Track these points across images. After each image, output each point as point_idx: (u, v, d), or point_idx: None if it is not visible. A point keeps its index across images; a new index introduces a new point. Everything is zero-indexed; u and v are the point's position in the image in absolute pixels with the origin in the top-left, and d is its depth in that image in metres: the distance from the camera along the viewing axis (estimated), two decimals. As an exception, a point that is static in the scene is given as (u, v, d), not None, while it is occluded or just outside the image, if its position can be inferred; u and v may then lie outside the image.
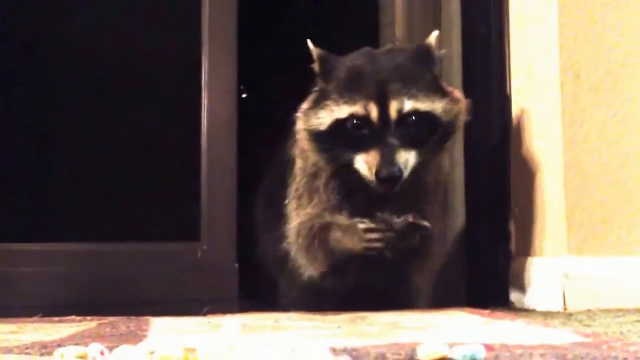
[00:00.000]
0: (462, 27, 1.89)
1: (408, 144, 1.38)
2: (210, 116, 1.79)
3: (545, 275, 1.50)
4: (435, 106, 1.41)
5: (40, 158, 1.80)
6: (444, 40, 1.91)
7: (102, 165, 1.83)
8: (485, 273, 1.72)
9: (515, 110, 1.67)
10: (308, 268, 1.53)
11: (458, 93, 1.49)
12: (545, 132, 1.56)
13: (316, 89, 1.49)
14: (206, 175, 1.76)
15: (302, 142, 1.50)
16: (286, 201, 1.56)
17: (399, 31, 2.01)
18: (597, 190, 1.51)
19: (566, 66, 1.53)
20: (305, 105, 1.49)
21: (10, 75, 1.79)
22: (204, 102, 1.79)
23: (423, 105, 1.40)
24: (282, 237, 1.56)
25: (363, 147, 1.38)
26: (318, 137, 1.44)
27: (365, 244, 1.40)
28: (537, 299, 1.51)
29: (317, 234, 1.47)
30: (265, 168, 1.83)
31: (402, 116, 1.38)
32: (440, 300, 1.69)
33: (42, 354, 0.90)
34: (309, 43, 1.48)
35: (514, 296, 1.59)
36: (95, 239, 1.74)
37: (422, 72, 1.43)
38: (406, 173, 1.37)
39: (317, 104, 1.45)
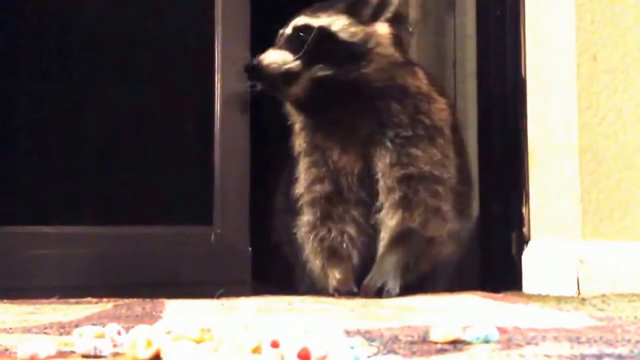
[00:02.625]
0: (477, 9, 1.87)
1: (288, 50, 1.46)
2: (223, 100, 1.79)
3: (559, 259, 1.50)
4: (332, 23, 1.46)
5: (57, 142, 1.82)
6: (458, 23, 1.89)
7: (116, 150, 1.84)
8: (499, 257, 1.72)
9: (530, 93, 1.65)
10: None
11: (381, 26, 1.50)
12: (561, 115, 1.55)
13: None
14: (219, 160, 1.77)
15: None
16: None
17: (413, 13, 2.00)
18: (613, 174, 1.50)
19: (583, 48, 1.51)
20: None
21: (31, 56, 1.80)
22: (217, 86, 1.79)
23: (317, 21, 1.46)
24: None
25: None
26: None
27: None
28: (551, 284, 1.51)
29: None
30: (279, 155, 1.83)
31: (295, 30, 1.48)
32: (454, 284, 1.69)
33: (60, 334, 0.92)
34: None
35: (527, 280, 1.59)
36: (110, 222, 1.76)
37: (340, 6, 1.50)
38: (274, 66, 1.45)
39: None
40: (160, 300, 1.34)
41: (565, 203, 1.52)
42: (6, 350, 0.80)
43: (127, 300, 1.34)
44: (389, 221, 1.46)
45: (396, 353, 0.78)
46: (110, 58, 1.85)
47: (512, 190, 1.69)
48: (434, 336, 0.84)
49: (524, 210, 1.65)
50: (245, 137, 1.80)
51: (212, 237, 1.74)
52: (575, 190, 1.49)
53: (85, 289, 1.50)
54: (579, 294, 1.43)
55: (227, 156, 1.78)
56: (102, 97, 1.83)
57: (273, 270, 1.85)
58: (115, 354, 0.78)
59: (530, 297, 1.44)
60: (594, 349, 0.79)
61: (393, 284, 1.39)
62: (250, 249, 1.76)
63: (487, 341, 0.83)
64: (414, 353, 0.78)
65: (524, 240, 1.64)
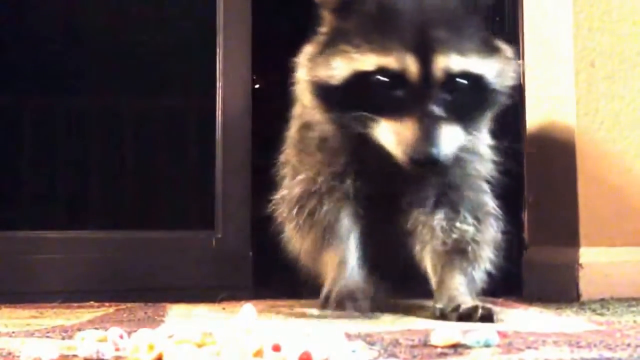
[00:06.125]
0: (476, 16, 1.88)
1: (453, 117, 1.06)
2: (225, 107, 1.80)
3: (558, 264, 1.50)
4: (487, 68, 1.10)
5: (60, 147, 1.83)
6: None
7: (119, 156, 1.85)
8: (499, 262, 1.72)
9: (529, 100, 1.66)
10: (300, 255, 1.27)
11: (509, 50, 1.18)
12: (560, 121, 1.56)
13: (325, 29, 1.15)
14: (221, 165, 1.78)
15: (302, 96, 1.17)
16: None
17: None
18: (611, 180, 1.50)
19: (581, 55, 1.52)
20: (310, 49, 1.14)
21: (35, 64, 1.82)
22: (219, 93, 1.80)
23: (475, 65, 1.08)
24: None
25: (393, 113, 1.06)
26: (328, 93, 1.10)
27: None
28: (550, 289, 1.51)
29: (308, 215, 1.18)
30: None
31: (449, 77, 1.06)
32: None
33: (63, 338, 0.93)
34: None
35: (527, 285, 1.59)
36: (112, 227, 1.77)
37: (471, 19, 1.12)
38: (449, 154, 1.06)
39: (329, 49, 1.10)
40: (162, 304, 1.35)
41: (564, 208, 1.52)
42: (9, 354, 0.81)
43: (129, 305, 1.35)
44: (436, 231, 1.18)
45: (397, 357, 0.79)
46: (113, 65, 1.86)
47: (512, 196, 1.69)
48: (434, 340, 0.85)
49: (523, 215, 1.66)
50: (247, 142, 1.80)
51: (214, 241, 1.75)
52: (574, 195, 1.50)
53: (88, 293, 1.50)
54: (578, 298, 1.43)
55: (229, 161, 1.79)
56: (105, 103, 1.84)
57: (274, 274, 1.85)
58: (118, 358, 0.79)
59: (530, 301, 1.44)
60: (594, 353, 0.79)
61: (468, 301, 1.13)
62: (251, 253, 1.76)
63: (487, 345, 0.83)
64: (414, 357, 0.79)
65: (523, 245, 1.65)
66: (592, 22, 1.53)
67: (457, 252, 1.19)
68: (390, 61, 1.06)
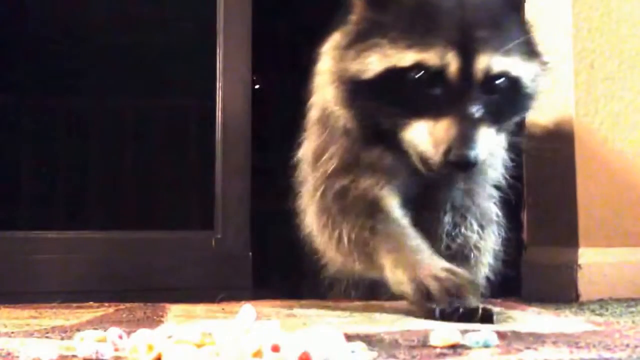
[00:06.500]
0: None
1: (489, 118, 1.02)
2: (225, 107, 1.80)
3: (557, 265, 1.50)
4: (525, 71, 1.07)
5: (59, 148, 1.83)
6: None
7: (119, 156, 1.86)
8: (498, 265, 1.72)
9: (528, 100, 1.66)
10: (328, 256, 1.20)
11: (545, 55, 1.16)
12: (559, 121, 1.56)
13: (355, 17, 1.07)
14: (220, 165, 1.78)
15: (324, 88, 1.09)
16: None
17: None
18: (611, 180, 1.50)
19: (580, 56, 1.52)
20: (338, 39, 1.07)
21: (33, 65, 1.82)
22: (219, 93, 1.81)
23: (515, 66, 1.05)
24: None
25: (429, 112, 1.01)
26: (356, 88, 1.04)
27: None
28: (549, 289, 1.51)
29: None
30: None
31: (488, 78, 1.03)
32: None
33: (62, 338, 0.93)
34: None
35: (526, 286, 1.59)
36: (112, 227, 1.77)
37: (514, 18, 1.09)
38: (483, 157, 1.02)
39: (361, 41, 1.03)
40: (162, 304, 1.35)
41: (564, 209, 1.53)
42: (8, 354, 0.81)
43: (128, 305, 1.35)
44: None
45: (396, 357, 0.79)
46: (113, 65, 1.86)
47: (511, 196, 1.69)
48: (433, 341, 0.85)
49: (522, 215, 1.66)
50: (247, 142, 1.81)
51: (213, 242, 1.75)
52: (573, 196, 1.50)
53: (87, 293, 1.50)
54: (577, 299, 1.44)
55: (229, 161, 1.79)
56: (104, 104, 1.85)
57: (274, 274, 1.86)
58: (117, 358, 0.79)
59: (529, 302, 1.44)
60: (593, 354, 0.80)
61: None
62: (250, 253, 1.77)
63: (486, 346, 0.83)
64: (413, 357, 0.79)
65: (522, 246, 1.65)
66: (592, 23, 1.53)
67: (459, 257, 1.19)
68: (430, 57, 1.01)
